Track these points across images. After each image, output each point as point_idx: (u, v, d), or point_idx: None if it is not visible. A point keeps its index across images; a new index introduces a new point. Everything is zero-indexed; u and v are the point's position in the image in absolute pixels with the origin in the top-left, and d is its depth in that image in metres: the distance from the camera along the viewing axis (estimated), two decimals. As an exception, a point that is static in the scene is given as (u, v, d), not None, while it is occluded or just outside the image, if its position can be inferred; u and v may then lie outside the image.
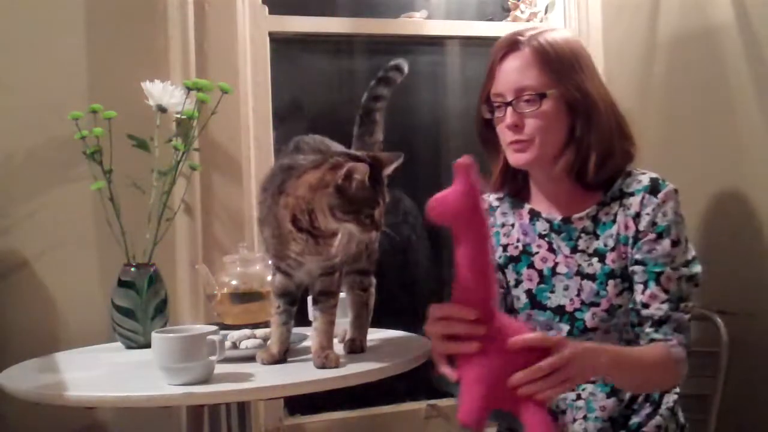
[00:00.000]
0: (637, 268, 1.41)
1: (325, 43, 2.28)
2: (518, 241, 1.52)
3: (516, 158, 1.45)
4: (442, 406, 2.21)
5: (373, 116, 1.56)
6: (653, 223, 1.40)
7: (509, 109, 1.42)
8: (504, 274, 1.53)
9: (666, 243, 1.39)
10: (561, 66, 1.41)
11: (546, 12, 2.37)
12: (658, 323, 1.38)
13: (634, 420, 1.44)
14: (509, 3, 2.38)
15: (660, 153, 2.05)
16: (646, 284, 1.40)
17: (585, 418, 1.44)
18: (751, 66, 1.79)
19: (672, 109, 2.04)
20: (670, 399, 1.47)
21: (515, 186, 1.55)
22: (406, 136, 2.36)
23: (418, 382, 2.17)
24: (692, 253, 1.45)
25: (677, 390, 1.49)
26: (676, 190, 1.43)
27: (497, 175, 1.55)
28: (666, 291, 1.39)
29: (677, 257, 1.40)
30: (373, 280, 1.54)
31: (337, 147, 1.46)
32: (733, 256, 1.83)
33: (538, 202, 1.52)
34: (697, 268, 1.44)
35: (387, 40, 2.29)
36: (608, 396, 1.44)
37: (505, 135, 1.45)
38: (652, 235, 1.40)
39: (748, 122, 1.80)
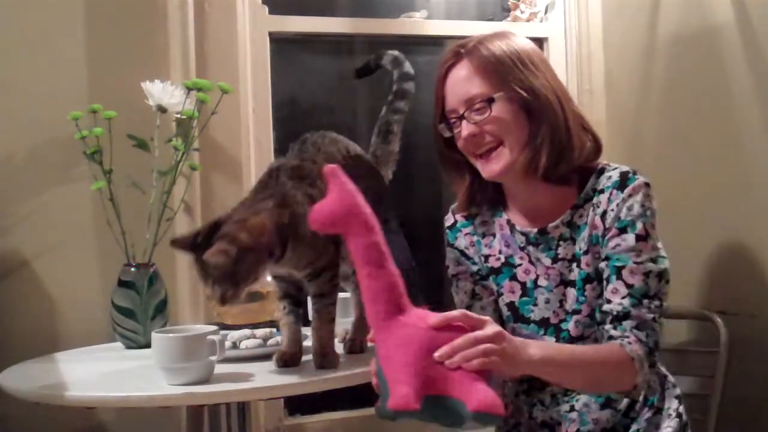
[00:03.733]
0: (603, 264, 1.37)
1: (325, 43, 2.28)
2: (500, 252, 1.50)
3: (489, 170, 1.42)
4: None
5: (391, 128, 1.63)
6: (617, 218, 1.36)
7: (464, 122, 1.40)
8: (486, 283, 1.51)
9: (630, 237, 1.34)
10: (502, 68, 1.39)
11: (546, 12, 2.37)
12: (617, 319, 1.33)
13: (635, 428, 1.42)
14: (509, 3, 2.38)
15: (659, 152, 2.05)
16: (608, 279, 1.36)
17: (578, 431, 1.42)
18: (751, 65, 1.79)
19: (672, 108, 2.04)
20: (672, 404, 1.44)
21: (486, 199, 1.51)
22: (406, 136, 2.36)
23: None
24: (660, 249, 1.37)
25: (678, 392, 1.46)
26: (647, 183, 1.37)
27: (463, 194, 1.51)
28: (628, 286, 1.33)
29: (643, 252, 1.34)
30: None
31: (345, 146, 1.46)
32: (733, 256, 1.83)
33: (513, 213, 1.50)
34: (666, 264, 1.36)
35: (387, 40, 2.29)
36: (602, 407, 1.42)
37: (468, 149, 1.43)
38: (615, 231, 1.36)
39: (748, 122, 1.80)
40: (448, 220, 1.57)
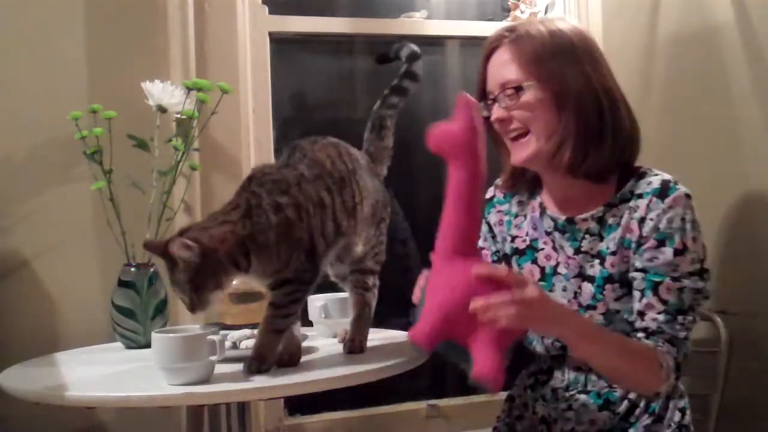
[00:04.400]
0: (637, 275, 1.36)
1: (325, 43, 2.28)
2: (527, 234, 1.52)
3: (515, 156, 1.44)
4: (442, 406, 2.21)
5: (384, 122, 1.58)
6: (656, 229, 1.34)
7: (495, 105, 1.43)
8: (508, 264, 1.54)
9: (668, 251, 1.33)
10: (538, 58, 1.39)
11: (546, 12, 2.37)
12: (651, 334, 1.34)
13: None
14: (509, 3, 2.38)
15: (659, 152, 2.05)
16: (643, 293, 1.35)
17: (572, 430, 1.42)
18: (751, 65, 1.79)
19: (672, 108, 2.04)
20: (675, 416, 1.41)
21: (528, 179, 1.53)
22: (406, 136, 2.35)
23: (418, 382, 2.17)
24: (703, 265, 1.37)
25: (683, 404, 1.43)
26: (688, 195, 1.36)
27: (507, 174, 1.54)
28: (663, 302, 1.33)
29: (680, 266, 1.33)
30: (377, 281, 1.53)
31: (338, 151, 1.44)
32: (734, 256, 1.83)
33: (547, 198, 1.51)
34: (706, 280, 1.36)
35: (387, 40, 2.29)
36: (600, 409, 1.41)
37: (500, 131, 1.45)
38: (653, 242, 1.34)
39: (748, 121, 1.80)
40: (488, 193, 1.61)
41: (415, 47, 1.61)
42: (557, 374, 1.48)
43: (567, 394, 1.45)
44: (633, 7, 2.17)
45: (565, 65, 1.38)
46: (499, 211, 1.58)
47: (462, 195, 1.18)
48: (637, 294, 1.36)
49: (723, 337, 1.69)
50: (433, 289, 1.19)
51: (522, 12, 2.37)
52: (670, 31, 2.04)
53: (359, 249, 1.48)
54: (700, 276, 1.36)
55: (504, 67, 1.42)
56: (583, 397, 1.43)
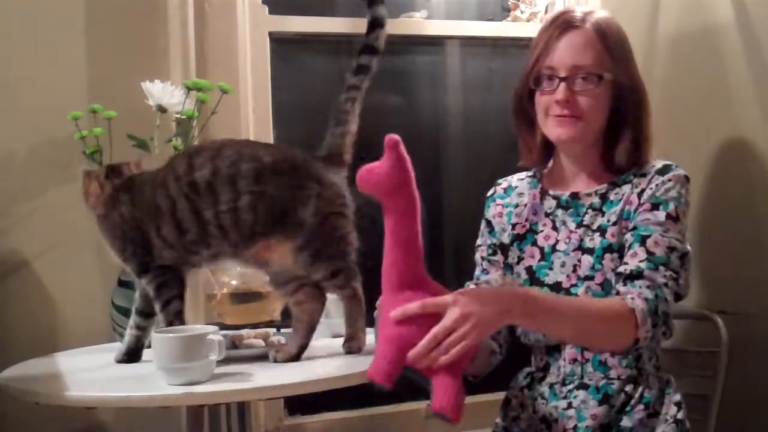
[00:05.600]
0: (628, 234, 1.41)
1: (325, 43, 2.28)
2: (526, 220, 1.55)
3: (560, 132, 1.47)
4: (442, 406, 2.21)
5: (343, 107, 1.49)
6: (653, 196, 1.41)
7: (562, 85, 1.45)
8: (507, 253, 1.56)
9: (661, 214, 1.39)
10: (617, 50, 1.46)
11: (546, 12, 2.37)
12: (629, 278, 1.35)
13: (626, 423, 1.40)
14: (509, 3, 2.38)
15: (659, 152, 2.05)
16: (631, 246, 1.39)
17: (575, 428, 1.42)
18: (751, 65, 1.79)
19: (672, 108, 2.04)
20: (671, 410, 1.43)
21: (541, 159, 1.59)
22: (406, 136, 2.35)
23: (418, 382, 2.17)
24: (686, 239, 1.43)
25: (678, 398, 1.44)
26: (687, 177, 1.44)
27: (537, 149, 1.58)
28: (649, 253, 1.37)
29: (671, 230, 1.39)
30: (351, 276, 1.42)
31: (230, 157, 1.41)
32: (733, 256, 1.83)
33: (551, 178, 1.56)
34: (690, 254, 1.42)
35: (387, 40, 2.28)
36: (600, 403, 1.42)
37: (551, 108, 1.47)
38: (648, 206, 1.41)
39: (748, 121, 1.80)
40: (490, 191, 1.66)
41: (379, 12, 1.51)
42: (553, 368, 1.49)
43: (565, 390, 1.45)
44: (633, 7, 2.17)
45: (634, 66, 1.49)
46: (498, 205, 1.62)
47: (398, 233, 1.19)
48: (626, 250, 1.40)
49: (723, 337, 1.69)
50: (383, 323, 1.21)
51: (522, 12, 2.37)
52: (669, 30, 2.04)
53: (280, 258, 1.40)
54: (686, 246, 1.41)
55: (581, 50, 1.45)
56: (582, 392, 1.43)
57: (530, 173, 1.64)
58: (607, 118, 1.48)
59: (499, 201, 1.63)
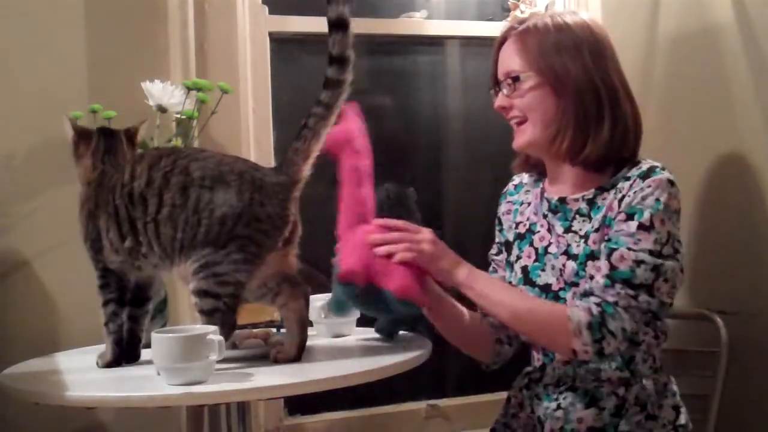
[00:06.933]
0: (603, 245, 1.40)
1: (325, 43, 2.26)
2: (527, 219, 1.56)
3: (516, 141, 1.52)
4: (442, 406, 2.21)
5: (306, 121, 1.40)
6: (629, 204, 1.39)
7: (500, 93, 1.51)
8: (510, 250, 1.58)
9: (633, 224, 1.36)
10: (539, 50, 1.46)
11: (546, 12, 2.37)
12: (583, 294, 1.37)
13: (623, 427, 1.39)
14: (509, 3, 2.38)
15: (659, 152, 2.05)
16: (603, 257, 1.38)
17: (561, 429, 1.42)
18: (751, 65, 1.79)
19: (672, 108, 2.04)
20: (669, 414, 1.42)
21: (536, 169, 1.60)
22: (406, 136, 2.36)
23: (418, 382, 2.17)
24: (672, 249, 1.36)
25: (677, 402, 1.44)
26: (670, 181, 1.39)
27: (518, 158, 1.61)
28: (612, 268, 1.35)
29: (642, 242, 1.34)
30: (220, 304, 1.34)
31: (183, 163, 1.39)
32: (733, 256, 1.83)
33: (548, 183, 1.57)
34: (669, 263, 1.35)
35: (387, 40, 2.29)
36: (587, 407, 1.41)
37: (505, 118, 1.53)
38: (623, 215, 1.39)
39: (748, 122, 1.80)
40: (505, 188, 1.68)
41: (341, 11, 1.40)
42: (548, 370, 1.49)
43: (557, 392, 1.45)
44: (633, 6, 2.17)
45: (566, 58, 1.44)
46: (508, 202, 1.64)
47: (350, 179, 1.44)
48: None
49: (723, 337, 1.69)
50: (345, 251, 1.41)
51: (522, 12, 2.37)
52: (669, 30, 2.04)
53: (187, 267, 1.36)
54: (662, 257, 1.35)
55: (509, 58, 1.49)
56: (570, 395, 1.44)
57: (527, 174, 1.64)
58: (572, 118, 1.43)
59: (509, 198, 1.64)
